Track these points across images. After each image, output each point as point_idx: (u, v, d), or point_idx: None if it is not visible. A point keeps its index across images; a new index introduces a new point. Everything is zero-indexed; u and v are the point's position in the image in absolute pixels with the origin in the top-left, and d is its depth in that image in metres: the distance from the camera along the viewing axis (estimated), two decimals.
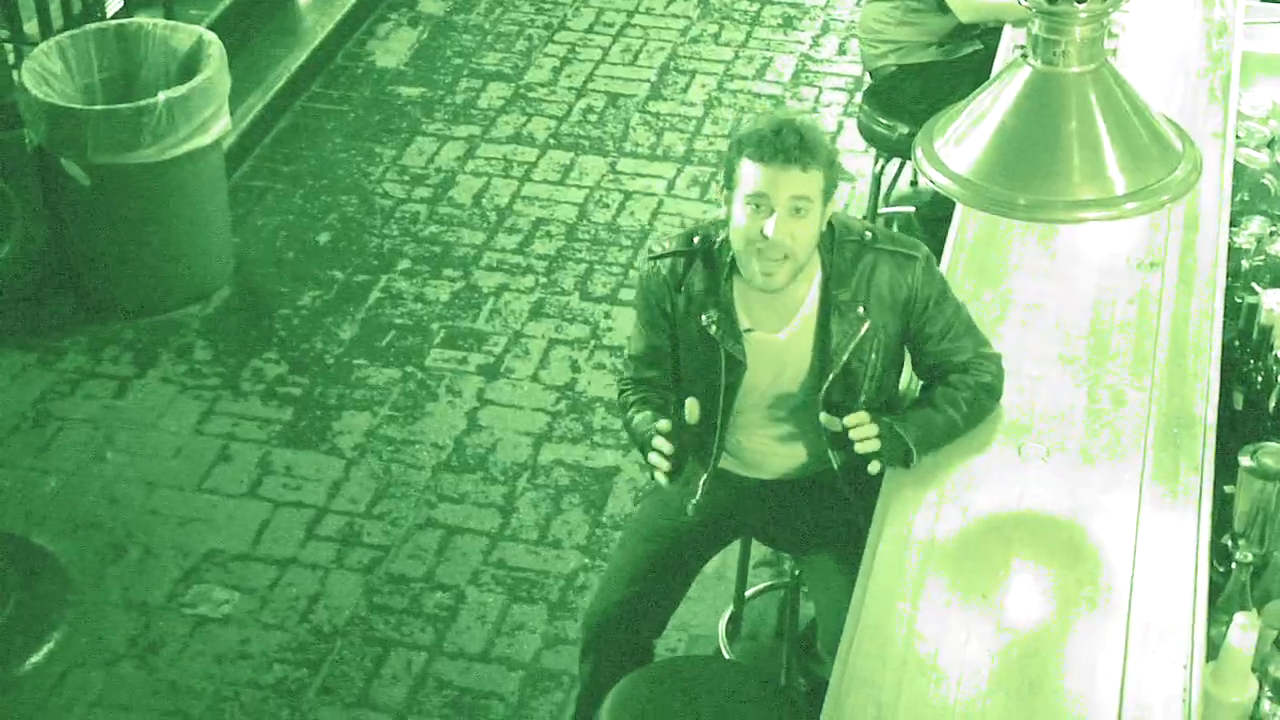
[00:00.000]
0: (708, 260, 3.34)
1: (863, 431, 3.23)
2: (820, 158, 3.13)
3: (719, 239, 3.33)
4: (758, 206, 3.14)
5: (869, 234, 3.32)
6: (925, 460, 3.27)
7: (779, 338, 3.34)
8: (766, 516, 3.57)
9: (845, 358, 3.30)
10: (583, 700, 3.60)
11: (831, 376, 3.31)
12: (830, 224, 3.29)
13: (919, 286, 3.30)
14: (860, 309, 3.28)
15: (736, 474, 3.55)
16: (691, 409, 3.23)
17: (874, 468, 3.25)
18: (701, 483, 3.50)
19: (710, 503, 3.54)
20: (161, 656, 4.19)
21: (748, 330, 3.33)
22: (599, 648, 3.52)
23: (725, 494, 3.55)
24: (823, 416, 3.29)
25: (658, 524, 3.56)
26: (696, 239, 3.36)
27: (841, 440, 3.36)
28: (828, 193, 3.17)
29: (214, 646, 4.21)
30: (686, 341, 3.39)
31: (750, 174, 3.13)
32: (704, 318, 3.32)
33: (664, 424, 3.26)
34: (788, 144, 3.10)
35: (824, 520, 3.49)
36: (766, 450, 3.50)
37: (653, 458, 3.28)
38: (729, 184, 3.20)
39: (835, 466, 3.42)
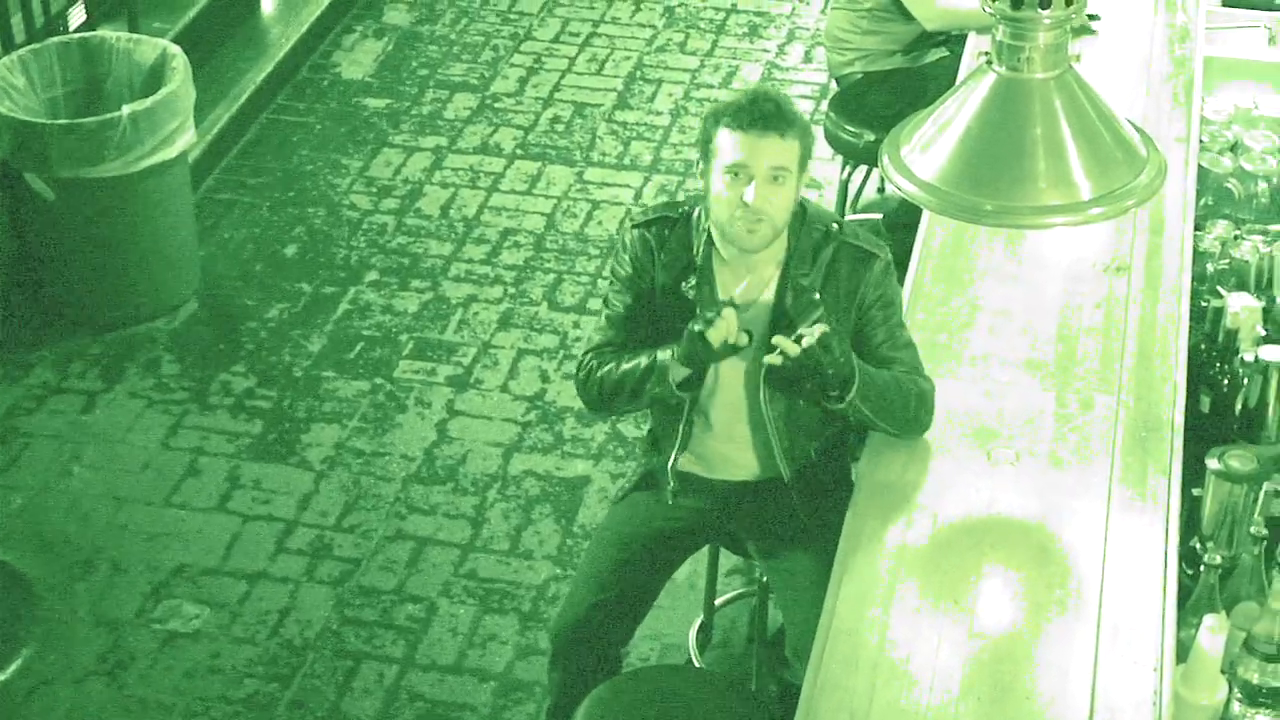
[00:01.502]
0: (688, 229, 3.37)
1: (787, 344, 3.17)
2: (797, 125, 3.18)
3: (699, 209, 3.36)
4: (736, 175, 3.17)
5: (836, 226, 3.35)
6: (895, 466, 3.27)
7: (745, 314, 3.34)
8: (732, 520, 3.57)
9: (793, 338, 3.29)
10: (554, 711, 3.59)
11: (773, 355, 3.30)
12: (803, 206, 3.33)
13: (871, 285, 3.31)
14: (816, 295, 3.29)
15: (702, 476, 3.54)
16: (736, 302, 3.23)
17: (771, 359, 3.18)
18: (670, 467, 3.49)
19: (678, 504, 3.54)
20: (131, 672, 4.16)
21: (725, 301, 3.34)
22: (568, 656, 3.51)
23: (691, 498, 3.55)
24: (776, 339, 3.20)
25: (625, 531, 3.56)
26: (681, 209, 3.40)
27: (792, 450, 3.38)
28: (803, 161, 3.21)
29: (184, 662, 4.19)
30: (664, 310, 3.38)
31: (728, 143, 3.17)
32: (684, 284, 3.34)
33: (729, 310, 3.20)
34: (765, 111, 3.15)
35: (789, 524, 3.49)
36: (728, 450, 3.50)
37: (720, 322, 3.18)
38: (705, 156, 3.23)
39: (785, 477, 3.43)
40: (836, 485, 3.45)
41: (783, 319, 3.30)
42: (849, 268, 3.31)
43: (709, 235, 3.33)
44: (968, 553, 3.11)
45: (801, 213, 3.32)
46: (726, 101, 3.23)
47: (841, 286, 3.30)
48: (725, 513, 3.56)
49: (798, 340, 3.16)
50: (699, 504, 3.56)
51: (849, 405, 3.21)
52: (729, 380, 3.40)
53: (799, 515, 3.45)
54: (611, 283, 3.46)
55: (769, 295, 3.33)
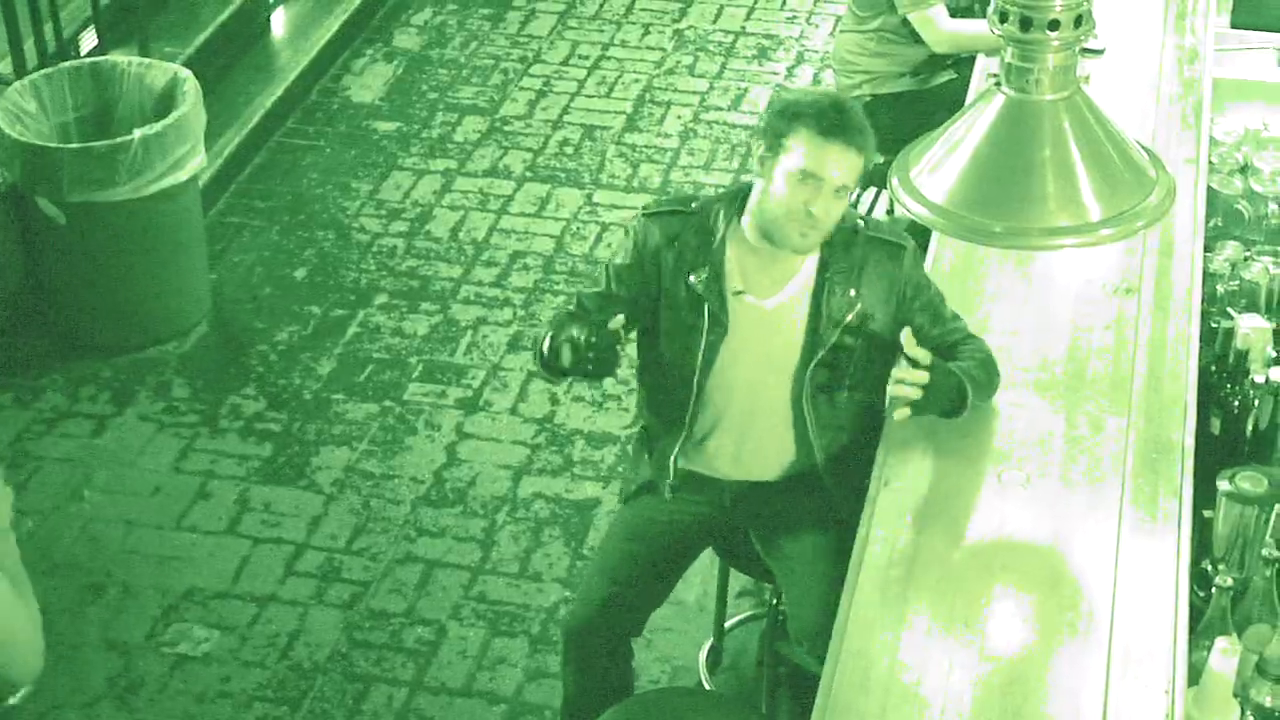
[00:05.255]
0: (703, 225, 3.38)
1: (915, 375, 3.23)
2: (871, 143, 3.24)
3: (715, 209, 3.37)
4: (804, 181, 3.18)
5: (861, 223, 3.40)
6: (905, 487, 3.27)
7: (766, 305, 3.36)
8: (743, 514, 3.58)
9: (835, 337, 3.33)
10: (568, 712, 3.59)
11: (820, 354, 3.34)
12: None
13: (905, 275, 3.38)
14: (852, 291, 3.34)
15: (714, 477, 3.55)
16: (617, 321, 3.19)
17: (901, 415, 3.25)
18: (672, 461, 3.51)
19: (688, 501, 3.56)
20: (141, 696, 4.16)
21: (738, 292, 3.36)
22: (580, 649, 3.53)
23: (703, 494, 3.56)
24: (912, 347, 3.24)
25: (637, 525, 3.59)
26: (694, 204, 3.41)
27: (826, 434, 3.41)
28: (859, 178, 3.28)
29: (194, 685, 4.18)
30: (670, 302, 3.40)
31: (806, 147, 3.18)
32: (692, 276, 3.35)
33: (616, 321, 3.19)
34: (848, 122, 3.19)
35: (800, 514, 3.50)
36: (749, 449, 3.50)
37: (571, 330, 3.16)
38: (772, 150, 3.22)
39: (819, 460, 3.44)
40: (865, 478, 3.45)
41: (819, 316, 3.34)
42: (879, 262, 3.36)
43: (726, 229, 3.35)
44: (978, 575, 3.10)
45: None
46: (806, 100, 3.21)
47: (875, 280, 3.36)
48: (738, 508, 3.57)
49: (914, 363, 3.22)
50: (711, 500, 3.57)
51: (971, 408, 3.31)
52: (773, 353, 3.40)
53: (832, 495, 3.45)
54: (604, 270, 3.46)
55: (801, 291, 3.35)
